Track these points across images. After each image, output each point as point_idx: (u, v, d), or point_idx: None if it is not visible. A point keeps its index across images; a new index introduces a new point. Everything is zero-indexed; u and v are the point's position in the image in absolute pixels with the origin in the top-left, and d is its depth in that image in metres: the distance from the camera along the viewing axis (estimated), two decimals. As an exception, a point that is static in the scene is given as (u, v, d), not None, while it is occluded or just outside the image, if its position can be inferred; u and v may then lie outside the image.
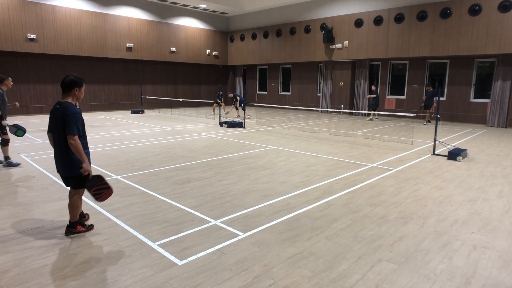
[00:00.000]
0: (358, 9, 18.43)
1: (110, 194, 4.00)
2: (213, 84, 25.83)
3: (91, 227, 4.11)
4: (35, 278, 3.12)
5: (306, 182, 6.21)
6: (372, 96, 17.20)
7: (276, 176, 6.59)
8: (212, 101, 21.14)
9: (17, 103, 8.00)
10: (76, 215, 3.97)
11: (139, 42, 20.73)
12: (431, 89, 15.49)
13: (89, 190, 3.86)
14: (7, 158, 7.25)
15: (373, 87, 17.23)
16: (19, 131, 7.04)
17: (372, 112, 16.26)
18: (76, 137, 3.67)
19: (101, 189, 3.92)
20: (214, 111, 19.96)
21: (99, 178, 3.93)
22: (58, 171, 3.94)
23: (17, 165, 7.28)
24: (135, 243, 3.79)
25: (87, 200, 5.10)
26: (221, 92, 20.45)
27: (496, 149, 9.74)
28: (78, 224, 4.01)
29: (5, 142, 7.21)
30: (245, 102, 16.13)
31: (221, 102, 20.01)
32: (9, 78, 7.28)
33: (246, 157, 8.25)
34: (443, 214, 4.79)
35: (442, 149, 9.12)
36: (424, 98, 15.56)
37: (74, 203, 3.92)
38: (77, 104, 3.93)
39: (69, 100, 3.82)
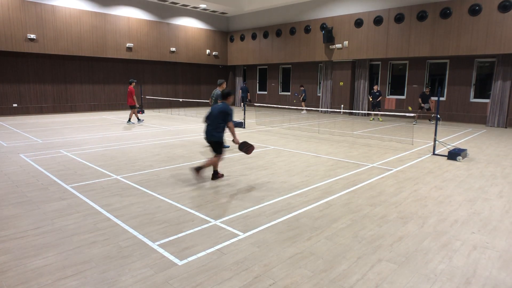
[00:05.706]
0: (358, 9, 18.43)
1: (253, 149, 6.00)
2: (213, 84, 25.83)
3: (222, 176, 6.42)
4: (35, 278, 3.12)
5: (306, 182, 6.22)
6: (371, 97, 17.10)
7: (276, 176, 6.59)
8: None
9: None
10: (215, 166, 6.22)
11: (139, 42, 20.72)
12: (429, 92, 15.27)
13: (241, 150, 5.94)
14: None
15: (375, 88, 17.08)
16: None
17: (373, 112, 16.14)
18: (231, 123, 5.92)
19: (247, 148, 5.96)
20: (305, 109, 19.76)
21: (244, 143, 5.96)
22: (206, 139, 6.03)
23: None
24: (135, 243, 3.79)
25: (87, 200, 5.11)
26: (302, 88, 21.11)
27: (496, 149, 9.73)
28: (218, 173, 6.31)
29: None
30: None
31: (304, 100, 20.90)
32: (225, 82, 8.95)
33: (246, 157, 8.24)
34: (443, 214, 4.79)
35: (442, 149, 9.12)
36: (420, 100, 15.35)
37: (212, 162, 6.07)
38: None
39: (226, 102, 6.07)
